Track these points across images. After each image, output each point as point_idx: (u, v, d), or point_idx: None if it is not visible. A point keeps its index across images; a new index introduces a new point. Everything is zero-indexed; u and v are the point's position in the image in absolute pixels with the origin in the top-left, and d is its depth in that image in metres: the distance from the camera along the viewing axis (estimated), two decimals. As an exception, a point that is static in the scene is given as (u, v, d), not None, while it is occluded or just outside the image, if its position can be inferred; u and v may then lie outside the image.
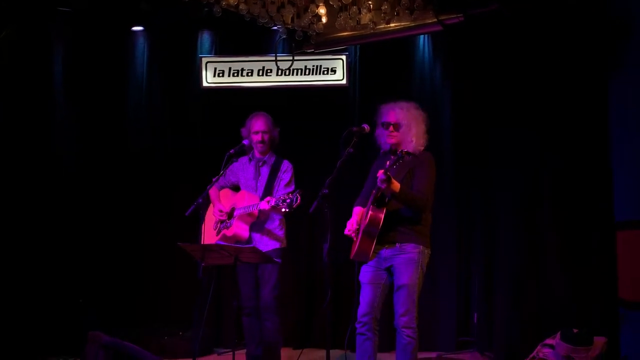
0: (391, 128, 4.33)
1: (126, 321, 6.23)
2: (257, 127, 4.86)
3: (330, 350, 4.11)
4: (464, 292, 6.17)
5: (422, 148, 4.35)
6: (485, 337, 5.92)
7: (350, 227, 4.37)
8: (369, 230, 4.16)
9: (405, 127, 4.31)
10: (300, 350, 5.51)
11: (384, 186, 3.93)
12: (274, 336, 4.81)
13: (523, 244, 5.61)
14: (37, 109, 5.87)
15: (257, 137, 4.86)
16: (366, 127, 4.40)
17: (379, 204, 4.12)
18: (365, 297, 4.37)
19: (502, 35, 5.56)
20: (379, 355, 4.51)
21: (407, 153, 3.93)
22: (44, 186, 5.93)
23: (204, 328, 5.89)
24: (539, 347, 4.63)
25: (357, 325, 4.37)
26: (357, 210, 4.50)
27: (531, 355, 4.57)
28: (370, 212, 4.11)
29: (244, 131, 4.95)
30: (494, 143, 5.86)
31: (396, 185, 3.98)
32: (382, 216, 4.12)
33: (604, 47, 4.96)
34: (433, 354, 5.88)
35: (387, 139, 4.35)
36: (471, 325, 6.05)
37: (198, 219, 4.62)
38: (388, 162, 3.94)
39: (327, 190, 4.08)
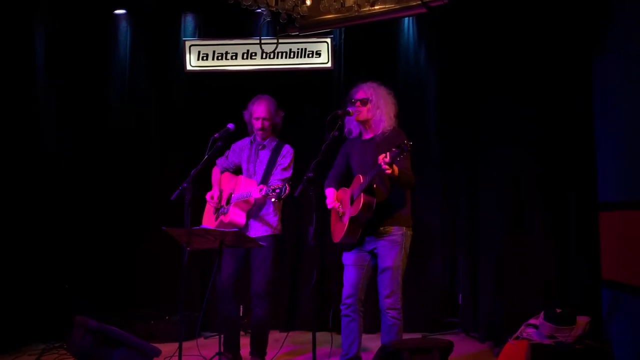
0: (358, 104, 4.44)
1: (113, 306, 6.22)
2: (258, 113, 4.83)
3: (317, 333, 4.12)
4: (449, 274, 6.23)
5: (394, 126, 4.42)
6: (470, 318, 6.00)
7: (333, 203, 4.45)
8: (361, 215, 4.21)
9: (373, 103, 4.42)
10: (286, 333, 5.54)
11: (389, 172, 3.95)
12: (263, 323, 4.84)
13: (507, 226, 5.62)
14: (19, 91, 5.78)
15: (257, 124, 4.84)
16: (351, 110, 4.42)
17: (369, 190, 4.17)
18: (349, 279, 4.42)
19: (486, 16, 5.58)
20: (364, 336, 4.58)
21: (406, 143, 3.91)
22: (26, 170, 5.86)
23: (189, 311, 5.95)
24: (522, 327, 4.66)
25: (342, 307, 4.42)
26: (332, 192, 4.57)
27: (515, 335, 4.61)
28: (363, 199, 4.15)
29: (245, 114, 4.93)
30: (478, 122, 5.89)
31: (396, 170, 4.02)
32: (375, 201, 4.15)
33: (587, 28, 4.98)
34: (418, 335, 5.91)
35: (355, 115, 4.43)
36: (456, 307, 6.12)
37: (183, 203, 4.59)
38: (392, 153, 3.91)
39: (312, 174, 4.10)
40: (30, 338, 5.76)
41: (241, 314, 5.40)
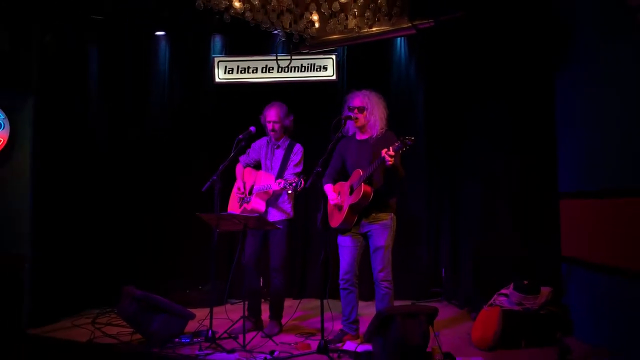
0: (356, 111, 4.41)
1: (155, 276, 6.24)
2: (270, 117, 4.84)
3: (324, 300, 4.19)
4: (434, 253, 6.22)
5: (385, 128, 4.42)
6: (452, 288, 5.99)
7: (335, 200, 4.42)
8: (360, 202, 4.22)
9: (368, 110, 4.40)
10: (299, 300, 5.57)
11: (391, 162, 3.97)
12: (280, 292, 4.87)
13: (482, 209, 5.62)
14: (75, 103, 5.80)
15: (269, 126, 4.85)
16: (352, 115, 4.42)
17: (368, 181, 4.18)
18: (346, 258, 4.44)
19: (467, 37, 5.56)
20: (360, 303, 4.64)
21: (409, 138, 3.93)
22: (83, 167, 5.88)
23: (218, 282, 5.97)
24: (495, 296, 4.67)
25: (341, 282, 4.45)
26: (330, 187, 4.53)
27: (489, 302, 4.62)
28: (364, 188, 4.17)
29: (261, 118, 4.93)
30: (461, 127, 5.87)
31: (397, 162, 4.07)
32: (373, 191, 4.16)
33: (550, 42, 4.95)
34: (408, 302, 5.94)
35: (354, 121, 4.41)
36: (440, 279, 6.12)
37: (211, 193, 4.62)
38: (396, 147, 3.94)
39: (320, 169, 4.12)
40: (86, 304, 5.78)
41: (261, 285, 5.45)
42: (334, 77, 6.30)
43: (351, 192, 4.31)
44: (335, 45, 6.04)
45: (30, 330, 5.03)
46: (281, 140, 4.91)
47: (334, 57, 6.26)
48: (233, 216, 4.33)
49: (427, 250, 6.20)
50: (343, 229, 4.44)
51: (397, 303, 5.73)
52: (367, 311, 5.03)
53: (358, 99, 4.42)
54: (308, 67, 6.33)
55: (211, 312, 4.54)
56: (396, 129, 4.52)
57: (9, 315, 4.96)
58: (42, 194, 5.30)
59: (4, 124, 5.18)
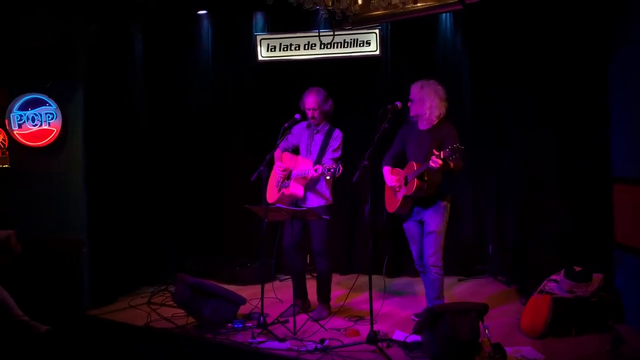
0: (410, 102, 4.42)
1: (205, 255, 6.39)
2: (308, 104, 4.76)
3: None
4: (479, 228, 6.13)
5: (438, 118, 4.36)
6: (498, 266, 5.93)
7: (393, 182, 4.45)
8: (413, 194, 4.27)
9: (417, 101, 4.38)
10: (346, 275, 5.61)
11: (436, 167, 3.96)
12: (325, 275, 4.88)
13: (530, 190, 5.48)
14: (122, 88, 5.81)
15: (308, 113, 4.77)
16: (399, 104, 4.33)
17: (421, 177, 4.20)
18: (415, 245, 4.53)
19: (515, 12, 5.29)
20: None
21: (458, 148, 3.90)
22: (131, 149, 5.94)
23: (267, 259, 6.03)
24: (545, 281, 4.56)
25: (418, 268, 4.60)
26: (388, 170, 4.57)
27: (539, 289, 4.51)
28: (416, 183, 4.19)
29: (301, 104, 4.84)
30: (506, 103, 5.67)
31: (451, 164, 4.03)
32: (425, 185, 4.20)
33: (605, 20, 4.66)
34: (455, 278, 5.94)
35: (410, 111, 4.45)
36: (485, 257, 6.04)
37: (261, 181, 4.62)
38: (445, 153, 3.92)
39: (367, 162, 4.07)
40: (141, 282, 5.94)
41: (307, 262, 5.49)
42: (377, 52, 6.11)
43: (406, 183, 4.32)
44: (379, 22, 5.82)
45: (90, 311, 5.20)
46: (320, 125, 4.83)
47: (377, 31, 6.06)
48: (280, 210, 4.32)
49: (471, 228, 6.11)
50: (402, 215, 4.50)
51: (445, 280, 5.77)
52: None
53: (412, 89, 4.43)
54: (351, 42, 6.15)
55: (262, 300, 4.59)
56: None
57: (70, 298, 5.15)
58: (94, 179, 5.39)
59: (56, 114, 5.24)
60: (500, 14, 5.43)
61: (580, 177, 5.03)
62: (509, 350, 3.87)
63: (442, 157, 3.92)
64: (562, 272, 4.46)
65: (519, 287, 5.41)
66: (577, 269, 4.40)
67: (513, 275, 5.65)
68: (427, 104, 4.30)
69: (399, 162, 4.59)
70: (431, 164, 3.95)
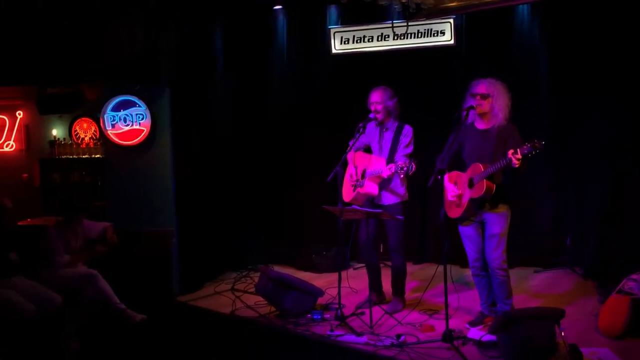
0: (479, 97, 4.22)
1: (281, 244, 6.59)
2: (372, 99, 4.79)
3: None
4: (557, 219, 6.00)
5: (508, 119, 4.21)
6: (576, 258, 5.80)
7: (454, 193, 4.32)
8: (482, 197, 4.14)
9: (493, 97, 4.20)
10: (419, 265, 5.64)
11: (517, 165, 3.87)
12: (401, 270, 4.95)
13: (611, 181, 5.32)
14: (204, 86, 6.01)
15: (372, 108, 4.79)
16: (475, 104, 4.24)
17: (490, 177, 4.08)
18: (471, 247, 4.45)
19: (596, 3, 5.05)
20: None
21: (539, 144, 3.79)
22: (212, 143, 6.14)
23: (342, 248, 6.16)
24: (624, 280, 4.42)
25: (472, 270, 4.48)
26: (447, 178, 4.39)
27: (617, 288, 4.40)
28: (486, 184, 4.08)
29: (368, 103, 4.89)
30: (585, 94, 5.46)
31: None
32: (495, 187, 4.09)
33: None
34: (531, 269, 5.90)
35: (477, 108, 4.23)
36: (562, 248, 5.92)
37: (336, 180, 4.70)
38: (524, 150, 3.82)
39: (443, 166, 4.05)
40: (224, 268, 6.24)
41: (381, 251, 5.58)
42: (452, 42, 5.98)
43: (470, 186, 4.20)
44: (454, 14, 5.72)
45: (179, 298, 5.54)
46: (389, 123, 4.83)
47: (451, 20, 5.92)
48: (356, 211, 4.42)
49: (549, 220, 5.99)
50: (462, 218, 4.39)
51: (518, 270, 5.74)
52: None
53: (483, 85, 4.22)
54: (425, 32, 6.04)
55: (339, 292, 4.72)
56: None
57: (161, 286, 5.50)
58: (181, 174, 5.69)
59: (145, 115, 5.54)
60: (581, 5, 5.22)
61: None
62: (585, 351, 3.83)
63: (520, 154, 3.80)
64: (643, 271, 4.34)
65: (597, 284, 5.28)
66: (659, 269, 4.27)
67: (591, 269, 5.52)
68: (501, 102, 4.17)
69: (454, 166, 4.46)
70: (514, 161, 3.82)
